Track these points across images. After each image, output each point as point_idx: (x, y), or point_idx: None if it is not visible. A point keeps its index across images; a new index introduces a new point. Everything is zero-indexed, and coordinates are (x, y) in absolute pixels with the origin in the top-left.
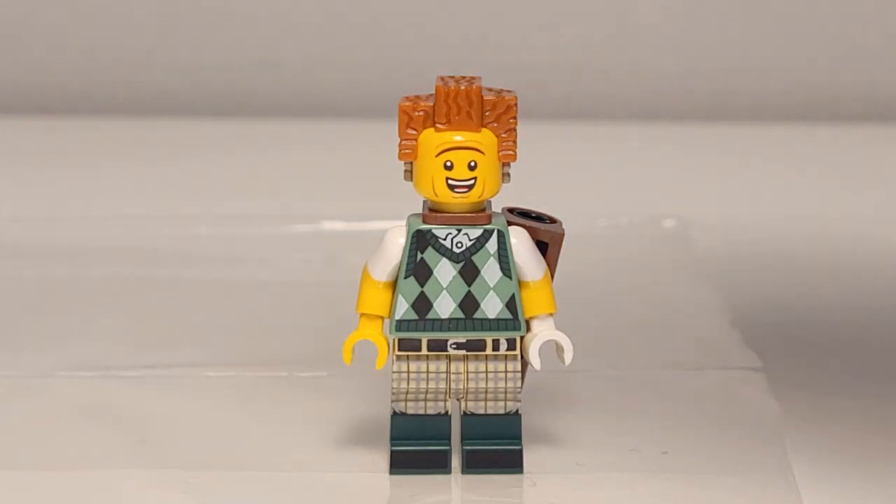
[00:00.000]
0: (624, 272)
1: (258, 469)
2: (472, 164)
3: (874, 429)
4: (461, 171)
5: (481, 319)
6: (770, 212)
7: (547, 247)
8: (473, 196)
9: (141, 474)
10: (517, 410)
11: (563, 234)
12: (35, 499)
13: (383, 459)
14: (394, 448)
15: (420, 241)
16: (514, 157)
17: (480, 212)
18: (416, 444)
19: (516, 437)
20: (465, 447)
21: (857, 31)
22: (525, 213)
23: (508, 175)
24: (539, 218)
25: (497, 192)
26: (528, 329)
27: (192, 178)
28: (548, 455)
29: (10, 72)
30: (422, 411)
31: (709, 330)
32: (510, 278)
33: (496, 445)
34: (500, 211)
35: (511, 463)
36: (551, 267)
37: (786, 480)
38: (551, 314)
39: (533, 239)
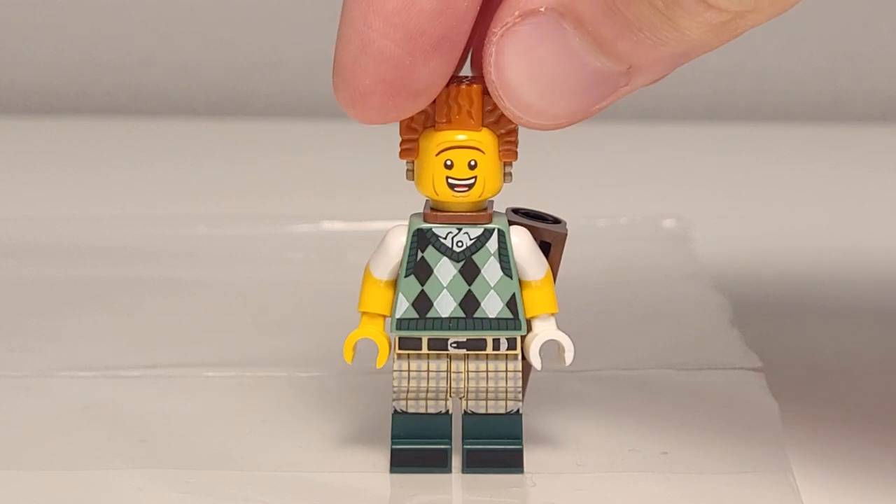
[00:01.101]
0: (624, 272)
1: (258, 469)
2: (473, 163)
3: (874, 429)
4: (461, 170)
5: (482, 318)
6: (770, 212)
7: (550, 247)
8: (474, 195)
9: (141, 474)
10: (518, 410)
11: (566, 235)
12: (35, 499)
13: (383, 459)
14: (394, 446)
15: (420, 239)
16: (515, 157)
17: (481, 211)
18: (416, 443)
19: (517, 437)
20: (465, 446)
21: (857, 31)
22: (529, 214)
23: (510, 175)
24: (543, 218)
25: (498, 191)
26: (530, 329)
27: (192, 178)
28: (548, 455)
29: (10, 72)
30: (422, 410)
31: (709, 330)
32: (511, 277)
33: (497, 445)
34: (504, 211)
35: (511, 462)
36: (554, 267)
37: (786, 480)
38: (553, 314)
39: (536, 239)
